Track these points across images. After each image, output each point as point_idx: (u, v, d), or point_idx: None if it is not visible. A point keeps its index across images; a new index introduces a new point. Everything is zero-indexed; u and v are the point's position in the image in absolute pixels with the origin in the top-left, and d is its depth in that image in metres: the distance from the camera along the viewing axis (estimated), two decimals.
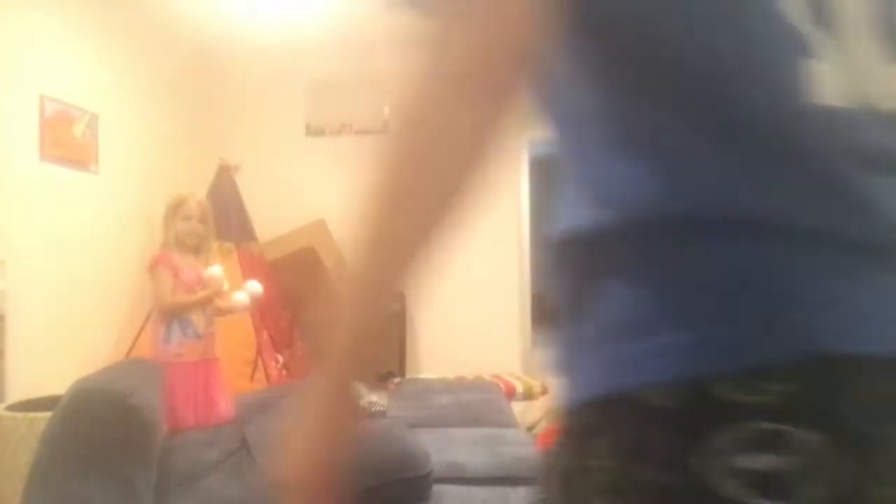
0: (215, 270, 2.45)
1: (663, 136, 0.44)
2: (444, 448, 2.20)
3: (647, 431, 0.43)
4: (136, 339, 3.64)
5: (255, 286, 2.53)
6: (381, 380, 4.49)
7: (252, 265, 3.91)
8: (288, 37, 4.70)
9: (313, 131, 5.14)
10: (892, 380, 0.40)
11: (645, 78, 0.44)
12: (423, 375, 4.64)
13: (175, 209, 2.40)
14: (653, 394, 0.42)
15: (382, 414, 3.14)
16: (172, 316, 2.32)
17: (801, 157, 0.42)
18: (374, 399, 3.35)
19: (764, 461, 0.39)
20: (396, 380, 4.20)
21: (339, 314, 0.49)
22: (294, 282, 4.22)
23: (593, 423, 0.46)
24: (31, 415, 2.46)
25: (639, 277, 0.45)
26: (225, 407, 2.42)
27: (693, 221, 0.43)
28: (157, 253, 2.37)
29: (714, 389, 0.41)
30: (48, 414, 1.81)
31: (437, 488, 1.79)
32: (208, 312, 2.45)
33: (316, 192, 5.08)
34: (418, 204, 0.47)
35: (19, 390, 2.88)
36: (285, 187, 5.08)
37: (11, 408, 2.61)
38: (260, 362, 3.57)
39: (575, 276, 0.50)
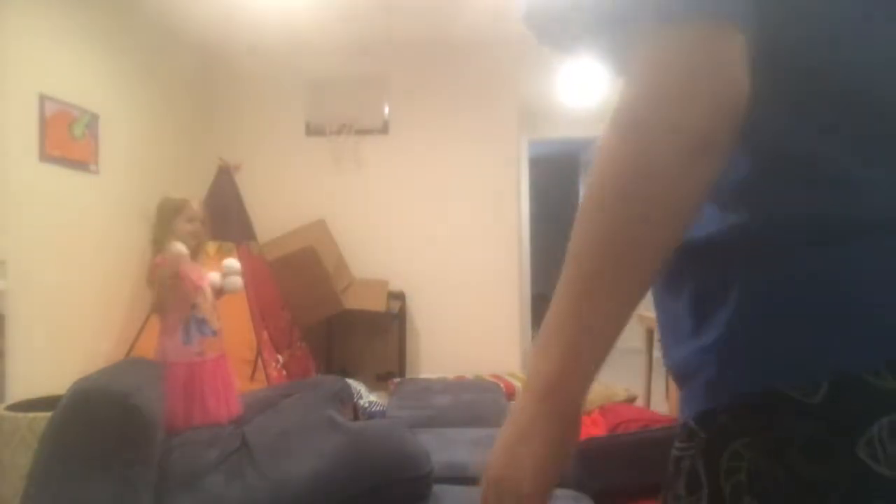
0: (233, 263, 2.49)
1: (821, 147, 0.48)
2: (444, 448, 2.20)
3: (798, 427, 0.45)
4: (136, 339, 3.64)
5: (233, 264, 2.53)
6: (381, 380, 4.49)
7: (252, 265, 3.91)
8: (288, 37, 4.70)
9: (313, 131, 5.14)
10: None
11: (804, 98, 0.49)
12: (423, 375, 4.64)
13: (177, 211, 2.38)
14: (804, 390, 0.46)
15: (382, 414, 3.14)
16: (168, 286, 2.27)
17: None
18: (374, 399, 3.35)
19: None
20: (396, 380, 4.20)
21: (564, 358, 0.51)
22: (294, 282, 4.22)
23: (738, 424, 0.49)
24: (31, 415, 2.46)
25: (788, 277, 0.48)
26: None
27: (847, 224, 0.47)
28: (157, 259, 2.33)
29: (869, 380, 0.44)
30: (48, 414, 1.81)
31: (437, 488, 1.78)
32: (214, 306, 2.44)
33: (316, 192, 5.08)
34: (637, 256, 0.48)
35: (19, 390, 2.88)
36: (285, 187, 5.08)
37: (11, 408, 2.61)
38: (260, 362, 3.57)
39: (705, 279, 0.53)
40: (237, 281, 2.52)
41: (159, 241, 2.37)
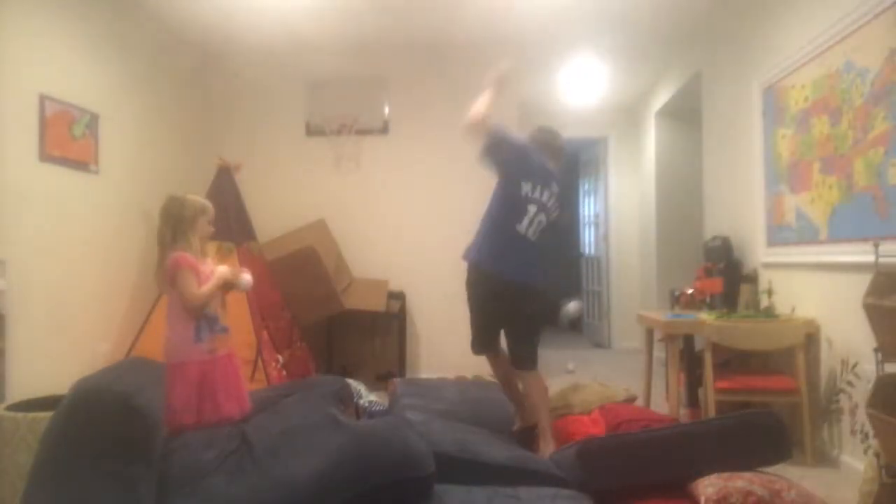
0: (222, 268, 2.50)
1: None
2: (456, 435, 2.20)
3: (473, 270, 2.87)
4: (136, 339, 3.64)
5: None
6: (380, 380, 4.49)
7: (252, 265, 3.91)
8: (288, 37, 4.71)
9: (313, 131, 5.14)
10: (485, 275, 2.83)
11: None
12: (423, 375, 4.64)
13: (202, 212, 2.40)
14: (475, 264, 2.87)
15: (383, 413, 3.14)
16: (203, 307, 2.29)
17: (517, 238, 2.82)
18: (374, 399, 3.35)
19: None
20: (396, 380, 4.19)
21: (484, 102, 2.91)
22: (294, 282, 4.22)
23: (470, 267, 2.88)
24: (31, 415, 2.46)
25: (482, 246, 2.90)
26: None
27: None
28: (177, 255, 2.31)
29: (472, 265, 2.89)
30: (48, 414, 1.81)
31: (438, 488, 1.79)
32: (223, 302, 2.44)
33: (316, 192, 5.08)
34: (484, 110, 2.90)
35: (19, 390, 2.88)
36: (285, 187, 5.09)
37: (11, 408, 2.61)
38: (260, 362, 3.57)
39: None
40: (248, 278, 2.52)
41: (176, 240, 2.34)
